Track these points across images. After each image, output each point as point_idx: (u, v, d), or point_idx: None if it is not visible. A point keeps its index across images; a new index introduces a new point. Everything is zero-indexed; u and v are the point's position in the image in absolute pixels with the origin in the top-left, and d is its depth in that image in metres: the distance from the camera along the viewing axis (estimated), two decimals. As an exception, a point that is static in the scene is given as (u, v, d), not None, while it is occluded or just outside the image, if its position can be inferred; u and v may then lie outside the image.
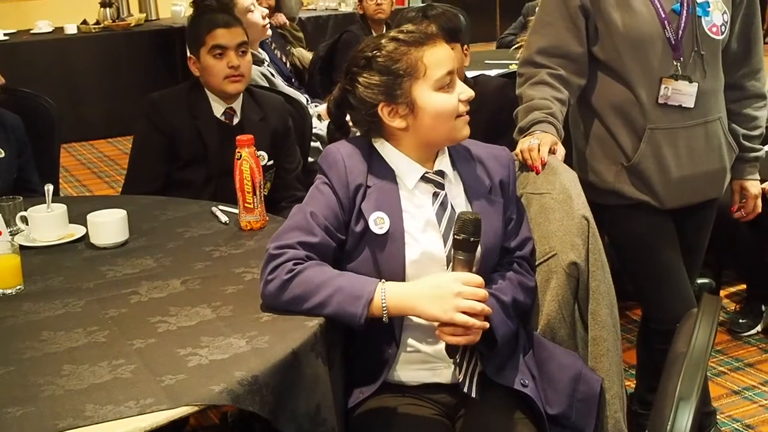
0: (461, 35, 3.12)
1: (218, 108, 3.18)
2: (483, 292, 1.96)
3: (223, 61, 3.12)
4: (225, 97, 3.17)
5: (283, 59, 5.04)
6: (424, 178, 2.12)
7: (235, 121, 3.19)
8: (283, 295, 1.94)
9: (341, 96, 2.16)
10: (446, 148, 2.18)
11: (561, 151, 2.40)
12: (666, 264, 2.70)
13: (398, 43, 2.08)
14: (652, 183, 2.62)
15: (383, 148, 2.14)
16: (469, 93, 2.11)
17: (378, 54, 2.08)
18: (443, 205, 2.11)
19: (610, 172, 2.65)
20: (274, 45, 5.05)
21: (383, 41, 2.10)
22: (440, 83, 2.07)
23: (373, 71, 2.08)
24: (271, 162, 3.20)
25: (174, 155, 3.15)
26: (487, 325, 1.99)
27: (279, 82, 4.13)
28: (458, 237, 1.97)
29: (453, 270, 1.99)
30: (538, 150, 2.34)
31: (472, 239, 1.96)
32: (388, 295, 1.94)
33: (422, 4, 5.66)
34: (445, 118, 2.08)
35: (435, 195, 2.12)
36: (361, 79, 2.10)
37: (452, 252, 2.01)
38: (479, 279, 1.97)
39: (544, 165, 2.32)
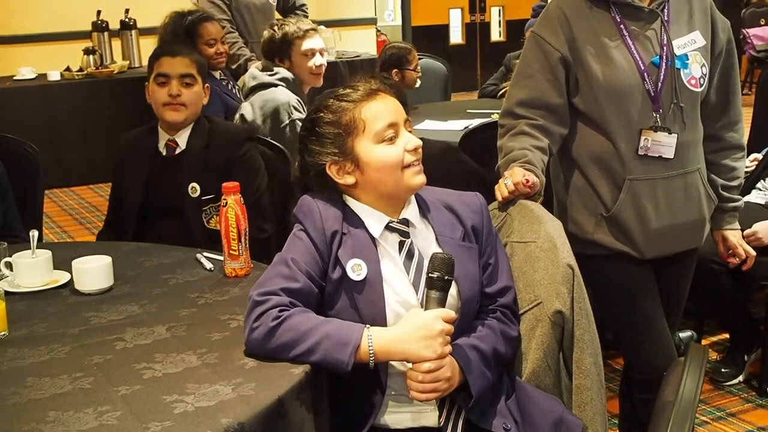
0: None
1: (163, 141, 3.24)
2: (452, 329, 2.02)
3: (165, 89, 3.17)
4: (168, 128, 3.22)
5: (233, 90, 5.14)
6: (388, 228, 2.15)
7: (177, 151, 3.23)
8: (269, 342, 1.95)
9: (301, 160, 2.22)
10: (413, 197, 2.21)
11: (535, 180, 2.40)
12: (646, 314, 2.71)
13: (339, 101, 2.14)
14: (631, 233, 2.63)
15: (350, 202, 2.18)
16: (415, 142, 2.14)
17: (321, 115, 2.15)
18: (410, 254, 2.14)
19: (590, 223, 2.67)
20: (223, 76, 5.20)
21: (326, 102, 2.16)
22: (381, 136, 2.11)
23: (317, 132, 2.14)
24: (211, 196, 3.14)
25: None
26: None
27: None
28: (432, 275, 2.00)
29: (426, 308, 2.01)
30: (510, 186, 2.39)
31: (446, 278, 2.00)
32: (375, 341, 1.96)
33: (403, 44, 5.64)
34: (390, 170, 2.11)
35: (401, 244, 2.15)
36: (308, 142, 2.16)
37: (425, 291, 2.04)
38: (454, 314, 2.03)
39: (516, 192, 2.37)
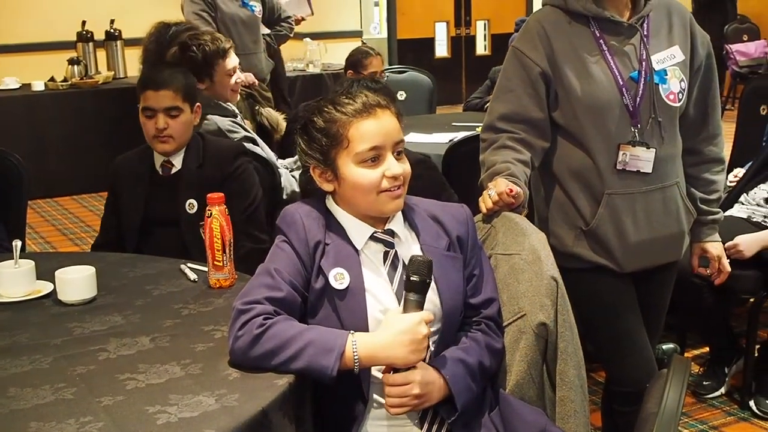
0: None
1: (158, 162, 3.27)
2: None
3: (152, 122, 3.18)
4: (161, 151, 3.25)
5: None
6: (373, 238, 2.16)
7: (174, 171, 3.25)
8: (253, 350, 1.94)
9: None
10: None
11: (518, 190, 2.40)
12: (626, 327, 2.72)
13: (334, 110, 2.13)
14: (610, 247, 2.64)
15: (333, 208, 2.19)
16: (395, 170, 2.12)
17: (315, 117, 2.15)
18: (394, 264, 2.15)
19: (569, 236, 2.68)
20: None
21: (323, 106, 2.16)
22: (361, 158, 2.11)
23: (308, 134, 2.16)
24: None
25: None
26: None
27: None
28: (413, 279, 2.00)
29: (405, 311, 2.01)
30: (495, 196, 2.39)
31: (425, 281, 2.00)
32: (359, 346, 1.96)
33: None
34: (363, 192, 2.12)
35: (386, 254, 2.16)
36: (300, 140, 2.18)
37: (404, 293, 2.03)
38: (433, 316, 2.04)
39: (500, 203, 2.37)
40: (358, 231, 2.16)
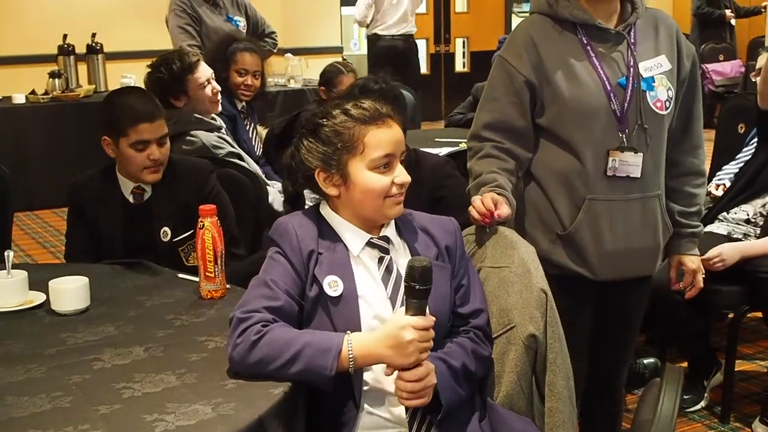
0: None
1: (127, 189, 3.14)
2: (432, 334, 2.04)
3: (144, 154, 3.05)
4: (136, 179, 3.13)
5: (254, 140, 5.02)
6: (369, 244, 2.20)
7: (146, 197, 3.14)
8: (251, 355, 1.97)
9: (291, 158, 2.25)
10: None
11: (507, 213, 2.43)
12: (578, 339, 2.70)
13: (347, 116, 2.18)
14: (586, 253, 2.65)
15: (329, 215, 2.22)
16: (404, 178, 2.19)
17: (326, 122, 2.19)
18: (389, 270, 2.19)
19: (545, 241, 2.69)
20: (249, 121, 5.01)
21: (335, 111, 2.20)
22: (375, 164, 2.16)
23: (317, 137, 2.19)
24: (187, 234, 3.09)
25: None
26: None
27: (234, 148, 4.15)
28: (413, 285, 2.01)
29: (407, 313, 2.02)
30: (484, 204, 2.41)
31: (425, 287, 2.01)
32: (354, 346, 2.00)
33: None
34: (373, 196, 2.17)
35: (380, 260, 2.20)
36: (305, 142, 2.20)
37: (404, 297, 2.06)
38: (431, 320, 2.04)
39: (492, 215, 2.38)
40: (354, 237, 2.20)
